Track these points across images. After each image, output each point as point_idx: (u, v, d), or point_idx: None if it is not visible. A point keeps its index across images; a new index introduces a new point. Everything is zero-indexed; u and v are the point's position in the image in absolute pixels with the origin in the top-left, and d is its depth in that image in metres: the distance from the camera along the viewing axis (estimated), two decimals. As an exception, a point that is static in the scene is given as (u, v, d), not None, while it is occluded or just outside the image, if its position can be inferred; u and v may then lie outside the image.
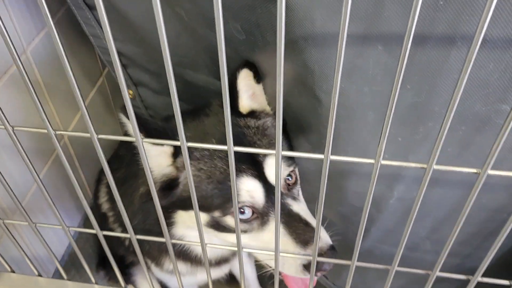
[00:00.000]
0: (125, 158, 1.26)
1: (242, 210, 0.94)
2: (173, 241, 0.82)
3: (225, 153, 0.89)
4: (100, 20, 0.46)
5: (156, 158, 0.92)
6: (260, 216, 0.95)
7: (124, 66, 1.22)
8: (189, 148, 0.83)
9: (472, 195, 0.62)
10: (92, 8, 1.09)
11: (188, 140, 0.60)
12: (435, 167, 0.61)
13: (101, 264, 1.68)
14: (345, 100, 0.76)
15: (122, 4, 1.02)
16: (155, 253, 1.24)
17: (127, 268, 1.55)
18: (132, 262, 1.55)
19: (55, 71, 1.33)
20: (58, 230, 1.43)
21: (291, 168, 1.01)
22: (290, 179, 1.00)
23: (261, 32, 0.81)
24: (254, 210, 0.94)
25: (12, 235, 0.90)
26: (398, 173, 0.88)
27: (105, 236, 1.20)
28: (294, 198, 1.00)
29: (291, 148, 1.06)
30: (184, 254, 1.18)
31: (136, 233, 0.82)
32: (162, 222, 0.72)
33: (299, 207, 0.98)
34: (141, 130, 0.82)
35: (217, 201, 0.93)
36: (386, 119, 0.57)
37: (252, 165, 0.93)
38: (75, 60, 1.45)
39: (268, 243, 0.95)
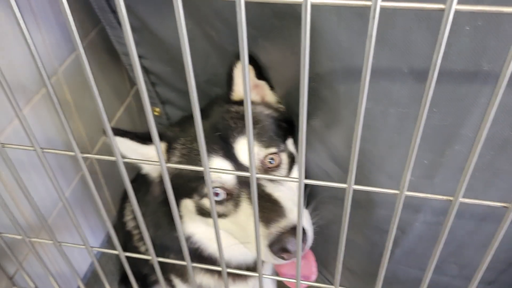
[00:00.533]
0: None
1: (215, 192, 0.95)
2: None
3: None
4: (124, 36, 0.49)
5: (155, 157, 0.98)
6: (232, 197, 0.96)
7: (152, 84, 1.26)
8: (173, 138, 1.03)
9: (501, 229, 0.60)
10: (115, 12, 1.13)
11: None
12: (461, 200, 0.60)
13: (123, 282, 1.68)
14: (370, 121, 0.75)
15: (155, 24, 1.06)
16: (182, 267, 1.22)
17: (149, 286, 1.55)
18: (155, 281, 1.55)
19: (85, 91, 1.36)
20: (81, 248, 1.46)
21: (272, 150, 0.99)
22: (272, 162, 0.99)
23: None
24: (226, 191, 0.96)
25: (37, 253, 0.92)
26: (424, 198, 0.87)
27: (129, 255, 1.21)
28: (272, 181, 0.97)
29: (295, 144, 1.07)
30: (206, 261, 1.15)
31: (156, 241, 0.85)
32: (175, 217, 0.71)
33: (276, 189, 0.93)
34: (133, 138, 0.99)
35: (193, 184, 0.97)
36: (410, 150, 0.56)
37: (223, 146, 0.96)
38: (105, 79, 1.50)
39: (244, 225, 0.94)
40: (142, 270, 1.45)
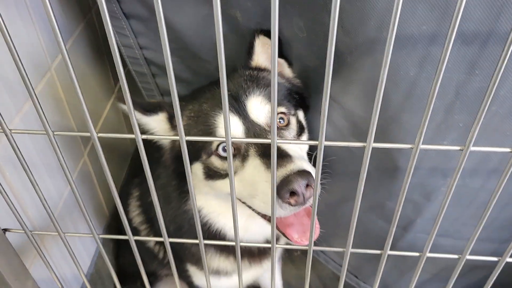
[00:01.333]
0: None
1: (224, 148, 0.98)
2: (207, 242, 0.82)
3: (212, 95, 1.02)
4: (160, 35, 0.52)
5: (157, 127, 1.05)
6: (239, 152, 0.98)
7: (152, 76, 1.25)
8: (182, 103, 0.95)
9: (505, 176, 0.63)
10: (128, 17, 1.12)
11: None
12: (472, 148, 0.63)
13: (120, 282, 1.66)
14: (414, 89, 0.78)
15: (166, 12, 1.07)
16: (197, 253, 1.22)
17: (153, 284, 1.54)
18: (163, 276, 1.53)
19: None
20: (80, 251, 1.43)
21: (282, 110, 1.04)
22: (282, 121, 1.04)
23: (324, 30, 0.85)
24: (234, 146, 0.98)
25: (40, 250, 0.90)
26: (453, 159, 0.91)
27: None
28: (281, 136, 1.03)
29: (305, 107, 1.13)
30: (216, 239, 1.16)
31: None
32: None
33: (283, 144, 0.95)
34: (136, 107, 1.01)
35: (201, 143, 1.00)
36: (427, 105, 0.58)
37: (234, 104, 0.99)
38: (92, 75, 1.48)
39: (249, 180, 0.95)
40: (149, 266, 1.44)
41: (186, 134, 0.93)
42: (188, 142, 0.94)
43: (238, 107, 0.98)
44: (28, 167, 0.71)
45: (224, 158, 0.98)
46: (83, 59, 1.42)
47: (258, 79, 1.06)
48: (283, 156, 0.89)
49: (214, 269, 1.22)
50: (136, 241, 1.34)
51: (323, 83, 1.02)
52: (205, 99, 1.05)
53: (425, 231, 1.11)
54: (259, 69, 1.12)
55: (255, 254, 1.24)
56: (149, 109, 1.05)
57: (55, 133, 0.67)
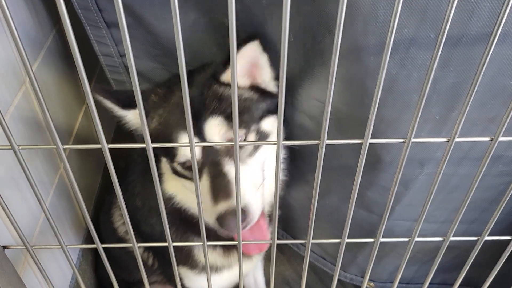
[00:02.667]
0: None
1: (181, 164, 1.06)
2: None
3: (176, 103, 1.06)
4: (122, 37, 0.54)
5: (134, 120, 1.12)
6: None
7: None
8: (153, 105, 1.09)
9: (485, 160, 0.71)
10: (110, 26, 1.13)
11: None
12: (457, 139, 0.70)
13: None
14: (394, 85, 0.85)
15: (151, 19, 1.08)
16: (186, 252, 1.26)
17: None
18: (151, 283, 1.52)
19: (49, 100, 1.34)
20: (61, 264, 1.40)
21: (242, 131, 1.05)
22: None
23: (312, 35, 0.90)
24: (190, 164, 1.01)
25: (40, 264, 0.89)
26: (430, 149, 0.98)
27: (122, 261, 1.19)
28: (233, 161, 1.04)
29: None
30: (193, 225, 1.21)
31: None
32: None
33: (230, 172, 1.01)
34: (113, 100, 1.06)
35: (165, 148, 1.07)
36: (418, 102, 0.64)
37: (194, 124, 1.00)
38: (65, 83, 1.46)
39: (202, 194, 0.98)
40: (135, 276, 1.43)
41: (157, 135, 1.03)
42: (158, 140, 0.98)
43: (198, 128, 1.02)
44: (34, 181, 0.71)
45: (185, 167, 1.06)
46: (56, 67, 1.39)
47: (222, 98, 1.06)
48: (227, 187, 0.98)
49: (215, 267, 1.25)
50: (122, 250, 1.35)
51: (307, 83, 1.06)
52: (173, 106, 1.08)
53: (402, 218, 1.19)
54: (228, 85, 1.10)
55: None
56: (126, 102, 1.09)
57: (21, 147, 0.68)
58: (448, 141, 0.71)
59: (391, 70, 0.84)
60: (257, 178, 1.05)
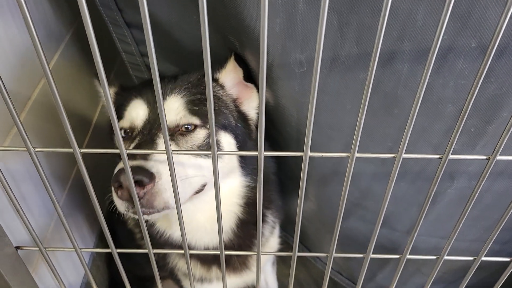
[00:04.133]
0: None
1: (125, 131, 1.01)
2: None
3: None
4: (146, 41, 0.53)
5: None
6: (131, 135, 0.99)
7: None
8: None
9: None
10: (130, 26, 1.11)
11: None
12: (499, 157, 0.65)
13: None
14: (427, 94, 0.80)
15: (168, 26, 1.06)
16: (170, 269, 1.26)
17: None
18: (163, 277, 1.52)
19: (69, 93, 1.32)
20: (76, 261, 1.39)
21: (194, 121, 0.97)
22: (189, 127, 0.98)
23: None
24: (130, 127, 1.00)
25: (53, 265, 0.87)
26: (462, 162, 0.93)
27: (134, 256, 1.18)
28: (174, 141, 0.97)
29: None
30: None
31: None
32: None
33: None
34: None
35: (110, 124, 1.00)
36: (461, 114, 0.60)
37: (150, 95, 1.00)
38: (83, 79, 1.44)
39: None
40: (145, 270, 1.41)
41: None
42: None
43: (153, 100, 0.98)
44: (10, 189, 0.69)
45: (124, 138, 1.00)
46: (75, 60, 1.38)
47: (199, 88, 1.02)
48: (141, 156, 0.85)
49: (197, 277, 1.23)
50: (132, 244, 1.33)
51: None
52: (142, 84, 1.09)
53: (428, 234, 1.13)
54: (217, 82, 1.07)
55: (236, 262, 1.22)
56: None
57: (37, 149, 0.66)
58: (488, 159, 0.66)
59: (388, 86, 0.80)
60: (192, 172, 0.94)
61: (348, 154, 0.64)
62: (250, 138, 1.09)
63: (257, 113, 1.09)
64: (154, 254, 0.82)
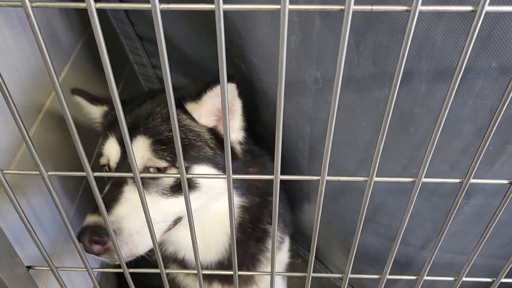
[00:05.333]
0: None
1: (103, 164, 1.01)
2: None
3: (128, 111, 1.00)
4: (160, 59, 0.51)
5: (98, 117, 1.13)
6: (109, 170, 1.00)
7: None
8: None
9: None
10: (142, 39, 1.11)
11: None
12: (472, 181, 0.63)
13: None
14: (414, 124, 0.80)
15: (179, 43, 1.06)
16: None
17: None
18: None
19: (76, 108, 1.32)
20: (84, 274, 1.38)
21: (162, 164, 0.95)
22: (160, 168, 0.96)
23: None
24: (108, 163, 0.99)
25: (65, 285, 0.86)
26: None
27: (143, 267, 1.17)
28: (143, 185, 0.91)
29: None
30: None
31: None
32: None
33: (134, 195, 0.92)
34: (84, 96, 1.09)
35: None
36: (484, 138, 0.58)
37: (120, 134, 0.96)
38: (93, 89, 1.43)
39: None
40: (152, 281, 1.41)
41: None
42: None
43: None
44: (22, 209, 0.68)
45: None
46: (85, 70, 1.37)
47: (165, 123, 0.98)
48: (110, 203, 0.89)
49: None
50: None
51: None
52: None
53: (442, 249, 1.10)
54: (185, 113, 1.00)
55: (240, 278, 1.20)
56: (95, 99, 1.11)
57: (49, 173, 0.65)
58: (510, 183, 0.64)
59: (443, 97, 0.77)
60: (163, 216, 0.95)
61: (366, 178, 0.63)
62: (235, 160, 1.03)
63: (244, 134, 1.03)
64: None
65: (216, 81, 0.88)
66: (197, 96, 0.96)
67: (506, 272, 0.79)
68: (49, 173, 0.64)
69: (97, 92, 1.45)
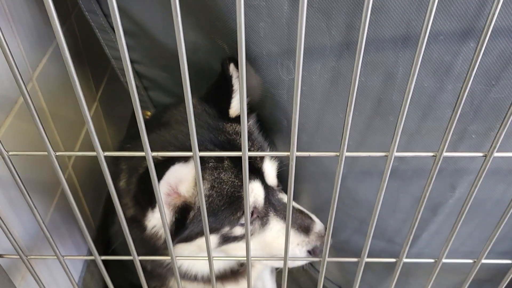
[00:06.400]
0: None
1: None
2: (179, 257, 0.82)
3: (230, 163, 0.90)
4: (118, 43, 0.47)
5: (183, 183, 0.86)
6: (261, 217, 0.97)
7: (145, 89, 1.22)
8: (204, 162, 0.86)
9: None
10: None
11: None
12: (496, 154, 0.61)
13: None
14: (425, 99, 0.76)
15: (155, 30, 1.02)
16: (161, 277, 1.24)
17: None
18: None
19: (60, 97, 1.29)
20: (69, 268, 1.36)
21: (279, 166, 1.02)
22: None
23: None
24: (255, 211, 0.96)
25: (36, 274, 0.84)
26: (464, 169, 0.89)
27: (130, 265, 1.15)
28: (282, 191, 1.02)
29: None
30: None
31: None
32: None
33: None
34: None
35: (226, 215, 0.92)
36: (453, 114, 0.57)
37: (253, 171, 0.95)
38: (71, 84, 1.41)
39: (270, 243, 0.98)
40: (138, 280, 1.38)
41: (207, 203, 0.87)
42: (210, 217, 0.88)
43: (257, 173, 0.95)
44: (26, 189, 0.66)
45: (241, 225, 0.95)
46: (63, 66, 1.35)
47: (250, 135, 1.00)
48: (304, 216, 1.01)
49: None
50: (126, 250, 1.30)
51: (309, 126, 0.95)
52: (221, 166, 0.91)
53: (429, 246, 1.09)
54: (239, 120, 0.96)
55: (228, 275, 1.22)
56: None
57: (11, 153, 0.63)
58: (485, 156, 0.63)
59: (422, 82, 0.75)
60: None
61: (337, 153, 0.61)
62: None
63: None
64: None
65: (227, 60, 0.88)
66: (227, 97, 0.95)
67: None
68: (10, 153, 0.62)
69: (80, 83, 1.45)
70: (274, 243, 0.98)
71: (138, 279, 1.41)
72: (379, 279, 1.27)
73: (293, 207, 1.00)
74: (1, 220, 0.71)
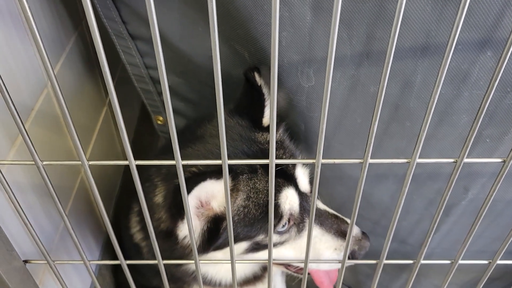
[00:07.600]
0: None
1: (283, 225, 0.96)
2: (202, 261, 0.82)
3: (264, 172, 0.90)
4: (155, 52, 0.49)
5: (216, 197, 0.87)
6: (297, 223, 0.99)
7: (158, 94, 1.22)
8: (238, 173, 0.88)
9: None
10: (134, 38, 1.10)
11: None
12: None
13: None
14: (441, 105, 0.78)
15: (173, 37, 1.03)
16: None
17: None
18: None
19: (70, 104, 1.30)
20: (81, 272, 1.38)
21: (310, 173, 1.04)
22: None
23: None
24: (291, 218, 0.97)
25: (62, 279, 0.86)
26: (477, 172, 0.91)
27: (141, 268, 1.16)
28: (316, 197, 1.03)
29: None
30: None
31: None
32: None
33: (321, 204, 1.05)
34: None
35: (263, 224, 0.93)
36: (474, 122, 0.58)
37: (287, 178, 0.96)
38: (83, 90, 1.42)
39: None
40: (152, 283, 1.40)
41: (243, 214, 0.89)
42: (243, 225, 0.90)
43: (291, 180, 0.96)
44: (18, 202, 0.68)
45: (279, 233, 0.98)
46: (75, 72, 1.36)
47: (282, 143, 1.01)
48: (338, 220, 1.02)
49: None
50: (137, 255, 1.32)
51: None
52: (261, 176, 0.92)
53: (440, 246, 1.11)
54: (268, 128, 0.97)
55: (250, 280, 1.25)
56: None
57: (44, 163, 0.65)
58: (503, 162, 0.65)
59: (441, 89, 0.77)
60: None
61: (361, 160, 0.63)
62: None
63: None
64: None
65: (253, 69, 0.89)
66: (259, 107, 0.96)
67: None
68: (44, 162, 0.64)
69: (91, 89, 1.46)
70: (313, 248, 1.00)
71: (147, 282, 1.43)
72: (391, 279, 1.29)
73: (328, 213, 1.02)
74: (31, 226, 0.72)
